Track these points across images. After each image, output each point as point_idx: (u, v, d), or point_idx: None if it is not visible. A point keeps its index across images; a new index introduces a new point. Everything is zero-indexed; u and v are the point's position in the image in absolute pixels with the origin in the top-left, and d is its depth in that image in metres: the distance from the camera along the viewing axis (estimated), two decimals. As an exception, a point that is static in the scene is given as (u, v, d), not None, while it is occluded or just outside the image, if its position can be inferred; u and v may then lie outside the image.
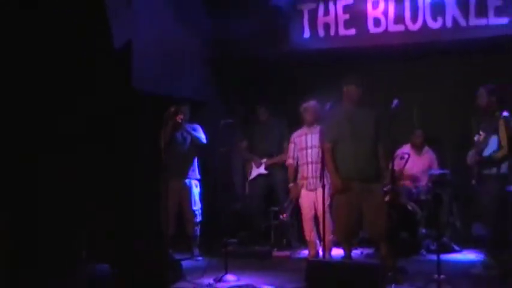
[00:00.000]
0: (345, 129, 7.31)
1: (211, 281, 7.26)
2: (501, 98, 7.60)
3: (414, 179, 9.52)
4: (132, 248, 8.10)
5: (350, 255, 7.61)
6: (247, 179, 10.03)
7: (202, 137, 9.00)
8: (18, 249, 7.53)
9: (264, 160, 9.69)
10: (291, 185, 8.68)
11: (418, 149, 9.66)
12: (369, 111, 7.35)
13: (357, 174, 7.23)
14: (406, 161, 9.05)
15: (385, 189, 7.75)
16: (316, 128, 8.32)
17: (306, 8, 9.81)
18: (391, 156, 7.53)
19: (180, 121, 8.80)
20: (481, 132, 7.49)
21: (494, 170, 7.45)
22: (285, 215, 9.14)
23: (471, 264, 8.03)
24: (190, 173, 9.02)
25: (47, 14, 7.74)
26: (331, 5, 9.68)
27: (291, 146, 8.69)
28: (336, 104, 7.43)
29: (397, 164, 9.08)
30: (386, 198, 7.92)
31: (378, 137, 7.33)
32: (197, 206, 8.99)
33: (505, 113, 7.42)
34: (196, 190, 9.03)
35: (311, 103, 8.51)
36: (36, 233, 7.71)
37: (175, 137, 8.94)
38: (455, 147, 9.17)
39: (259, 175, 9.77)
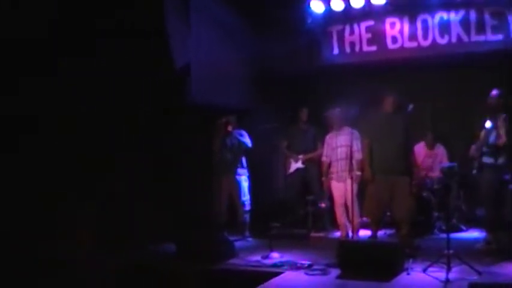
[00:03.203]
0: (381, 130, 7.51)
1: (259, 258, 7.41)
2: (506, 101, 7.74)
3: (427, 171, 9.49)
4: (193, 231, 8.42)
5: (376, 235, 7.76)
6: (287, 173, 10.05)
7: (248, 141, 9.15)
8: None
9: (301, 156, 9.72)
10: (323, 178, 8.85)
11: (430, 146, 9.71)
12: (401, 116, 7.46)
13: (389, 168, 7.42)
14: None
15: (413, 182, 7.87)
16: (344, 130, 8.46)
17: (334, 29, 9.90)
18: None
19: (229, 129, 9.05)
20: (486, 125, 7.50)
21: (492, 160, 7.51)
22: (323, 204, 9.21)
23: (475, 240, 8.06)
24: (239, 170, 9.16)
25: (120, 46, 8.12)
26: (355, 27, 9.76)
27: (325, 146, 8.77)
28: (375, 109, 7.67)
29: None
30: (414, 190, 8.06)
31: (407, 138, 7.50)
32: (246, 197, 9.13)
33: (504, 114, 7.58)
34: (245, 184, 9.16)
35: (335, 110, 8.63)
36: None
37: (226, 142, 9.11)
38: (461, 142, 9.01)
39: (297, 169, 9.78)
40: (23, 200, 7.59)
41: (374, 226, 7.77)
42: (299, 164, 9.78)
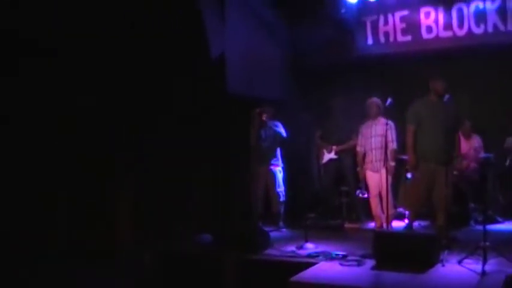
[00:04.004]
0: (428, 117, 7.41)
1: (294, 248, 7.39)
2: None
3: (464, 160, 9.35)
4: (229, 221, 8.49)
5: (412, 225, 7.71)
6: (320, 163, 9.96)
7: (283, 132, 9.14)
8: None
9: (334, 147, 9.63)
10: (359, 169, 8.83)
11: (466, 136, 9.53)
12: (451, 104, 7.37)
13: (433, 156, 7.33)
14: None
15: (455, 173, 7.95)
16: (379, 120, 8.45)
17: (368, 20, 9.85)
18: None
19: (264, 119, 9.03)
20: None
21: None
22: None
23: (512, 233, 7.98)
24: (274, 161, 9.17)
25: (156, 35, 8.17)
26: (389, 16, 9.69)
27: (360, 135, 8.75)
28: (420, 97, 7.61)
29: None
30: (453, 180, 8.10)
31: (454, 127, 7.45)
32: (281, 188, 9.13)
33: None
34: (280, 175, 9.16)
35: (373, 99, 8.58)
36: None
37: (261, 133, 9.09)
38: (497, 133, 9.03)
39: (330, 160, 9.69)
40: (60, 188, 7.75)
41: (412, 215, 7.76)
42: (332, 155, 9.73)
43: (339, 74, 10.39)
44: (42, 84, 7.68)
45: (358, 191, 9.25)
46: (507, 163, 7.64)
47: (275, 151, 9.23)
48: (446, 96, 7.31)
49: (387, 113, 7.99)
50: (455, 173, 8.25)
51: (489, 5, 9.06)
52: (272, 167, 9.16)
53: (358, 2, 9.76)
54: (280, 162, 9.28)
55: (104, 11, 7.72)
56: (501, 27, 8.98)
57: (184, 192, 8.83)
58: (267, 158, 9.15)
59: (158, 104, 8.61)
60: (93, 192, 8.01)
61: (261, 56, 9.52)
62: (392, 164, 8.31)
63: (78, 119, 7.93)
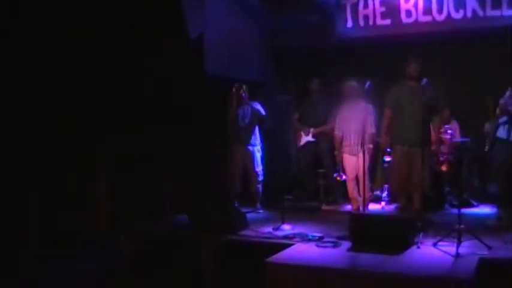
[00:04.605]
0: (405, 101, 7.51)
1: (270, 229, 7.42)
2: None
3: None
4: (206, 202, 8.48)
5: (406, 206, 7.81)
6: (297, 146, 10.03)
7: (261, 109, 9.07)
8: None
9: (311, 129, 9.69)
10: (336, 152, 8.82)
11: (446, 122, 9.45)
12: (429, 89, 7.40)
13: (408, 139, 7.46)
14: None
15: (441, 158, 8.16)
16: (357, 104, 8.37)
17: (348, 3, 9.76)
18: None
19: (242, 95, 8.95)
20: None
21: (505, 135, 7.45)
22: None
23: (487, 216, 8.06)
24: (252, 140, 9.08)
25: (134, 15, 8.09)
26: (369, 0, 9.64)
27: (338, 119, 8.67)
28: (399, 80, 7.72)
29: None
30: (444, 167, 8.39)
31: (432, 112, 7.52)
32: (259, 168, 9.08)
33: None
34: (258, 154, 9.10)
35: (352, 83, 8.52)
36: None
37: (239, 112, 9.03)
38: (475, 118, 9.09)
39: (308, 142, 9.75)
40: (42, 172, 7.70)
41: (403, 197, 7.87)
42: (309, 137, 9.76)
43: (317, 56, 10.36)
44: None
45: (335, 174, 9.24)
46: (486, 148, 7.68)
47: (254, 130, 9.14)
48: (424, 81, 7.31)
49: (366, 97, 7.98)
50: (444, 157, 8.42)
51: (469, -9, 9.09)
52: (250, 147, 9.08)
53: (339, -15, 9.70)
54: (258, 141, 9.21)
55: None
56: (480, 12, 8.99)
57: (160, 174, 8.80)
58: (245, 137, 9.09)
59: (135, 84, 8.55)
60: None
61: (240, 37, 9.51)
62: (370, 146, 8.32)
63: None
